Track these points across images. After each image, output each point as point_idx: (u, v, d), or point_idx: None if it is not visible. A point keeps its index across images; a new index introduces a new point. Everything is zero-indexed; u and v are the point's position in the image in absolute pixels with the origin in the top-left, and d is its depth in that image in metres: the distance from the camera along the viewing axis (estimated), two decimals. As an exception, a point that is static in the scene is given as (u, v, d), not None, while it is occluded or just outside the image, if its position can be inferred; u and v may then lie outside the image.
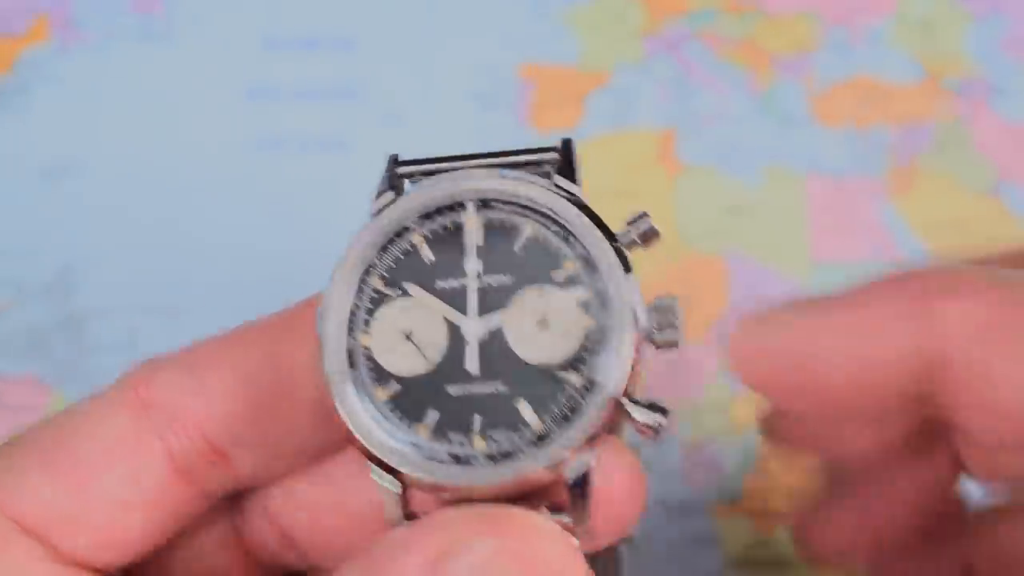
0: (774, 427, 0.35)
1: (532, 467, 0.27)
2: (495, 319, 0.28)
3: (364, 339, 0.28)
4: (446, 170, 0.29)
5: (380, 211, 0.29)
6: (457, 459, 0.27)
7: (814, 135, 0.46)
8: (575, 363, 0.27)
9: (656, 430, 0.27)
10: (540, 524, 0.25)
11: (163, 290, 0.44)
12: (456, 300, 0.28)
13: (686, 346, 0.41)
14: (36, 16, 0.47)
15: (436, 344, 0.28)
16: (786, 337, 0.29)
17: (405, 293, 0.28)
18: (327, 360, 0.28)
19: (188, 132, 0.46)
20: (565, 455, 0.27)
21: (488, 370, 0.28)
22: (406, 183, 0.30)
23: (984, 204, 0.45)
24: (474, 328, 0.28)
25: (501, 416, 0.27)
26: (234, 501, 0.32)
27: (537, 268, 0.28)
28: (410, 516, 0.28)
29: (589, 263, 0.28)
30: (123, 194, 0.45)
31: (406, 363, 0.28)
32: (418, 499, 0.28)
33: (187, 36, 0.47)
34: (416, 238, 0.29)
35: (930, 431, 0.31)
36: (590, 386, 0.27)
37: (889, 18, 0.47)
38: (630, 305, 0.27)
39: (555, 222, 0.28)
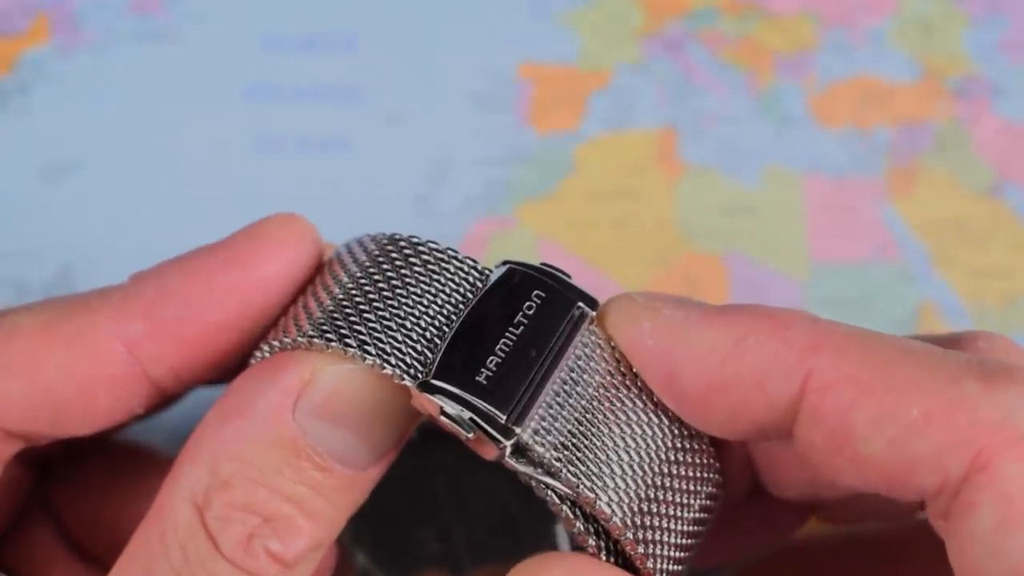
0: None
1: None
2: None
3: None
4: None
5: None
6: None
7: (814, 135, 0.46)
8: None
9: None
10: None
11: (163, 290, 0.44)
12: None
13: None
14: (36, 16, 0.47)
15: None
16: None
17: None
18: None
19: (188, 132, 0.46)
20: None
21: None
22: None
23: (984, 204, 0.45)
24: None
25: None
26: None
27: None
28: None
29: None
30: (123, 194, 0.45)
31: None
32: None
33: (187, 36, 0.47)
34: None
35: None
36: None
37: (889, 18, 0.47)
38: None
39: None
